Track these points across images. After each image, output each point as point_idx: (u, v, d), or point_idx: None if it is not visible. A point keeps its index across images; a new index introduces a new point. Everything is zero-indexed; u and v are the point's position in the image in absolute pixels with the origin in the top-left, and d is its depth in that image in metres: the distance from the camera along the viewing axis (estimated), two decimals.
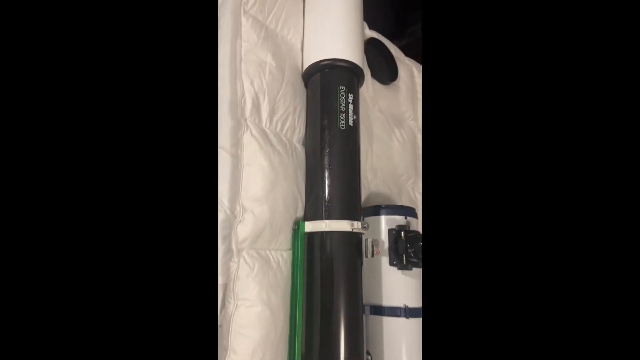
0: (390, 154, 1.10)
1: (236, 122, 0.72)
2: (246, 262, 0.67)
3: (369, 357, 0.80)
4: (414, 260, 0.83)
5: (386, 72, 1.18)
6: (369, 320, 0.83)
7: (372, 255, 0.87)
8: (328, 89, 0.85)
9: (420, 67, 1.37)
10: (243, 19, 0.80)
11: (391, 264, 0.84)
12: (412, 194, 1.16)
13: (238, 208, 0.69)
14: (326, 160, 0.80)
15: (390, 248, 0.85)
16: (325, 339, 0.72)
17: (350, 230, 0.76)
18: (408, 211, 0.91)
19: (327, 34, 0.89)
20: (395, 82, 1.19)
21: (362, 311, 0.80)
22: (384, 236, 0.87)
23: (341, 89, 0.84)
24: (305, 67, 0.90)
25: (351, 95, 0.85)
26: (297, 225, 0.78)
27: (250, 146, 0.72)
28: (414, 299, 0.84)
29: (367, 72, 1.09)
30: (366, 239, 0.86)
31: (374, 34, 1.22)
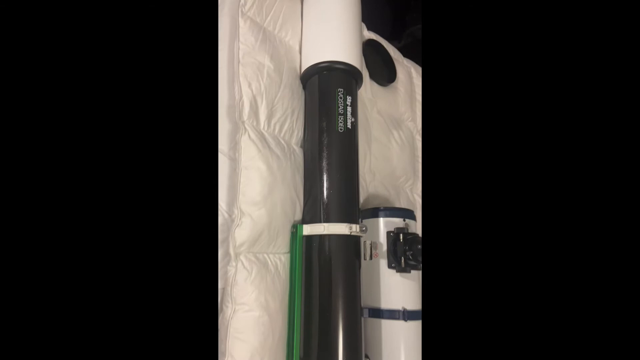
0: (389, 155, 1.09)
1: (234, 125, 0.71)
2: (244, 266, 0.66)
3: None
4: (413, 262, 0.82)
5: (384, 74, 1.17)
6: (368, 323, 0.83)
7: (371, 257, 0.86)
8: (326, 92, 0.84)
9: (418, 68, 1.36)
10: (241, 21, 0.79)
11: (390, 266, 0.83)
12: (411, 195, 1.15)
13: (236, 212, 0.67)
14: (324, 163, 0.79)
15: (388, 251, 0.84)
16: (324, 342, 0.71)
17: (349, 233, 0.75)
18: (406, 213, 0.90)
19: (325, 36, 0.88)
20: (393, 84, 1.18)
21: (361, 314, 0.79)
22: (383, 238, 0.86)
23: (339, 92, 0.83)
24: (303, 69, 0.89)
25: (349, 97, 0.84)
26: (295, 229, 0.77)
27: (248, 149, 0.71)
28: (413, 302, 0.84)
29: (365, 74, 1.08)
30: (364, 242, 0.85)
31: (372, 35, 1.21)
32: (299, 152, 0.84)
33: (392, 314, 0.81)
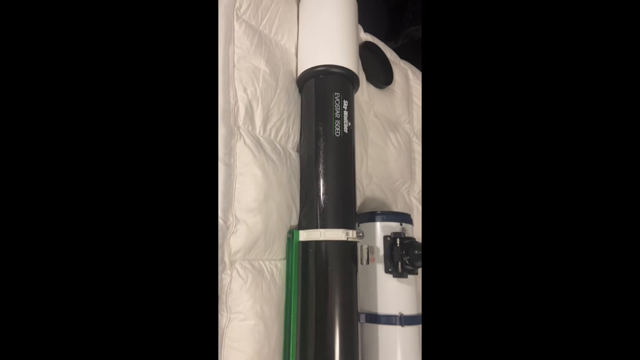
0: (386, 158, 1.08)
1: (229, 130, 0.70)
2: (239, 275, 0.65)
3: None
4: (409, 267, 0.81)
5: (381, 76, 1.15)
6: (364, 328, 0.82)
7: (368, 262, 0.85)
8: (323, 96, 0.82)
9: (415, 70, 1.35)
10: (236, 25, 0.77)
11: (386, 271, 0.82)
12: (408, 198, 1.14)
13: (231, 219, 0.66)
14: (321, 168, 0.78)
15: (385, 255, 0.83)
16: (320, 349, 0.70)
17: (345, 239, 0.74)
18: (403, 217, 0.89)
19: (321, 39, 0.86)
20: (390, 86, 1.17)
21: (357, 319, 0.78)
22: (380, 243, 0.85)
23: (336, 96, 0.81)
24: (299, 72, 0.87)
25: (346, 101, 0.83)
26: (292, 234, 0.75)
27: (244, 155, 0.70)
28: (410, 307, 0.83)
29: (362, 77, 1.06)
30: (361, 246, 0.84)
31: (369, 37, 1.19)
32: (295, 157, 0.83)
33: (389, 319, 0.80)
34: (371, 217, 0.87)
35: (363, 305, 0.82)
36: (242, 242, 0.66)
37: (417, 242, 0.82)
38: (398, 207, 1.08)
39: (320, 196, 0.77)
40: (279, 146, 0.79)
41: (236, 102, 0.72)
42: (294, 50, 0.89)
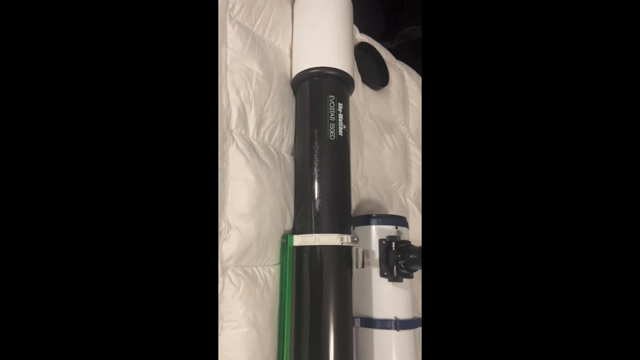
0: (381, 160, 1.07)
1: (221, 134, 0.68)
2: (231, 282, 0.63)
3: None
4: (405, 271, 0.80)
5: (377, 78, 1.14)
6: (359, 332, 0.80)
7: (363, 266, 0.83)
8: (317, 98, 0.80)
9: (411, 70, 1.33)
10: (229, 26, 0.75)
11: (382, 275, 0.81)
12: (403, 199, 1.12)
13: (223, 224, 0.64)
14: (315, 171, 0.76)
15: (380, 259, 0.82)
16: (315, 354, 0.69)
17: (340, 244, 0.73)
18: (399, 220, 0.87)
19: (316, 40, 0.84)
20: (386, 87, 1.15)
21: (352, 324, 0.76)
22: (375, 246, 0.83)
23: (330, 98, 0.80)
24: (294, 74, 0.85)
25: (341, 104, 0.81)
26: (286, 239, 0.74)
27: (236, 160, 0.68)
28: (405, 311, 0.81)
29: (357, 78, 1.05)
30: (357, 249, 0.83)
31: (364, 38, 1.17)
32: (289, 160, 0.81)
33: (384, 324, 0.79)
34: (366, 220, 0.85)
35: (358, 309, 0.81)
36: (234, 249, 0.64)
37: (412, 246, 0.81)
38: (394, 209, 1.06)
39: (314, 200, 0.75)
40: (272, 149, 0.77)
41: (229, 105, 0.70)
42: (288, 52, 0.88)
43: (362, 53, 1.11)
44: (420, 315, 0.86)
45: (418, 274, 0.84)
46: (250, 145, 0.72)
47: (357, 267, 0.83)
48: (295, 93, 0.86)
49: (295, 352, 0.69)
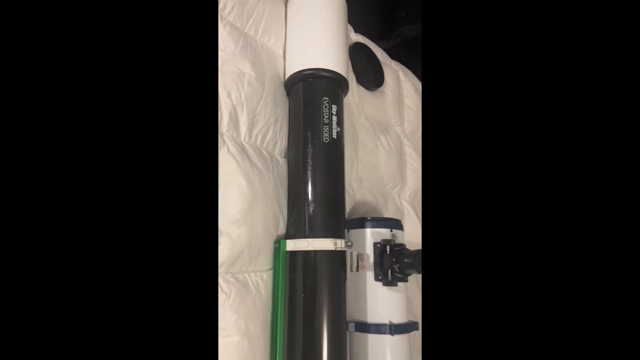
0: (376, 162, 1.04)
1: None
2: (222, 290, 0.61)
3: None
4: (399, 275, 0.78)
5: (372, 78, 1.11)
6: (354, 337, 0.78)
7: (357, 269, 0.82)
8: (311, 100, 0.78)
9: (406, 71, 1.31)
10: (220, 26, 0.73)
11: (376, 279, 0.79)
12: (398, 201, 1.10)
13: None
14: (309, 175, 0.74)
15: (375, 263, 0.80)
16: (308, 359, 0.67)
17: (334, 249, 0.71)
18: (394, 223, 0.85)
19: (310, 41, 0.82)
20: (381, 88, 1.13)
21: (346, 328, 0.75)
22: (369, 250, 0.81)
23: (324, 100, 0.77)
24: (287, 75, 0.83)
25: (335, 106, 0.79)
26: (278, 244, 0.72)
27: (227, 164, 0.65)
28: (400, 315, 0.80)
29: (352, 79, 1.02)
30: (351, 253, 0.81)
31: (359, 38, 1.15)
32: (282, 163, 0.79)
33: (379, 328, 0.77)
34: (361, 223, 0.83)
35: (352, 313, 0.79)
36: (225, 255, 0.62)
37: (407, 250, 0.79)
38: (389, 211, 1.05)
39: (308, 204, 0.73)
40: (265, 152, 0.75)
41: (220, 108, 0.68)
42: (281, 53, 0.85)
43: (357, 53, 1.09)
44: (414, 319, 0.85)
45: (413, 277, 0.82)
46: (242, 149, 0.70)
47: (351, 270, 0.81)
48: (288, 94, 0.84)
49: (288, 358, 0.67)
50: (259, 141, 0.74)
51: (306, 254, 0.70)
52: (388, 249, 0.78)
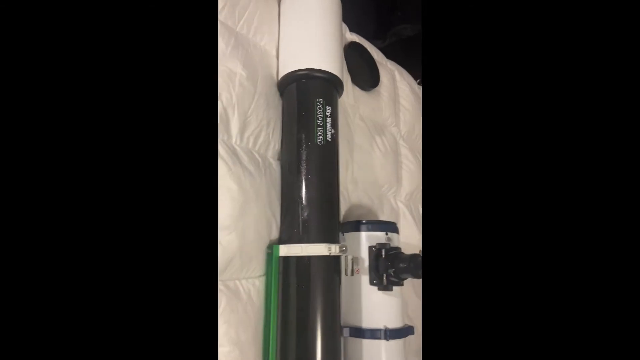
0: (372, 163, 1.02)
1: None
2: None
3: None
4: (395, 279, 0.76)
5: (368, 78, 1.09)
6: (348, 342, 0.76)
7: (352, 273, 0.79)
8: (304, 102, 0.76)
9: (402, 70, 1.29)
10: None
11: (371, 283, 0.77)
12: (394, 202, 1.08)
13: None
14: (302, 178, 0.72)
15: (370, 267, 0.78)
16: None
17: (328, 254, 0.68)
18: (389, 227, 0.83)
19: (303, 41, 0.79)
20: (376, 88, 1.11)
21: (340, 333, 0.73)
22: (365, 253, 0.79)
23: (318, 102, 0.75)
24: (280, 76, 0.80)
25: (329, 108, 0.76)
26: (271, 249, 0.69)
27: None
28: (395, 320, 0.78)
29: (347, 79, 1.00)
30: (346, 256, 0.79)
31: (354, 37, 1.12)
32: (275, 166, 0.76)
33: (374, 334, 0.75)
34: (356, 226, 0.81)
35: (347, 318, 0.77)
36: None
37: (402, 254, 0.77)
38: (384, 213, 1.02)
39: (301, 209, 0.70)
40: (257, 155, 0.72)
41: None
42: (274, 52, 0.82)
43: (352, 53, 1.06)
44: (410, 322, 0.83)
45: (408, 280, 0.80)
46: (233, 152, 0.67)
47: (346, 274, 0.79)
48: (282, 95, 0.81)
49: None
50: (250, 144, 0.72)
51: (299, 259, 0.68)
52: (383, 253, 0.76)
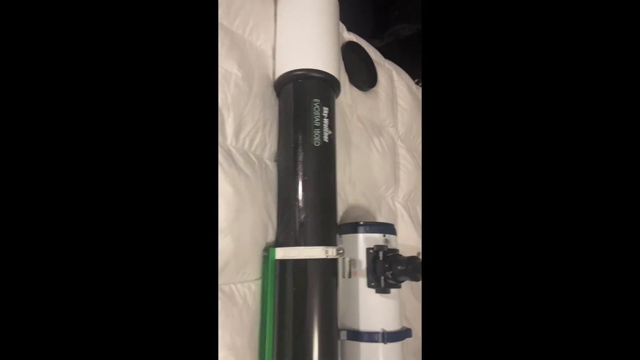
0: (369, 164, 1.01)
1: None
2: None
3: None
4: (392, 282, 0.75)
5: (365, 78, 1.07)
6: (346, 345, 0.75)
7: (350, 276, 0.78)
8: (301, 102, 0.74)
9: (400, 70, 1.27)
10: None
11: (369, 285, 0.76)
12: (392, 203, 1.07)
13: None
14: (299, 180, 0.70)
15: (368, 269, 0.77)
16: None
17: (325, 257, 0.67)
18: (387, 228, 0.82)
19: (300, 41, 0.78)
20: (374, 88, 1.09)
21: (338, 337, 0.72)
22: (362, 255, 0.78)
23: (315, 102, 0.73)
24: (277, 76, 0.78)
25: (326, 108, 0.74)
26: (267, 252, 0.68)
27: None
28: (393, 323, 0.76)
29: (344, 79, 0.98)
30: (343, 259, 0.77)
31: (352, 37, 1.10)
32: (272, 167, 0.75)
33: (372, 337, 0.74)
34: (353, 228, 0.80)
35: (344, 321, 0.76)
36: None
37: (400, 256, 0.75)
38: (382, 214, 1.01)
39: (298, 211, 0.69)
40: (253, 157, 0.71)
41: None
42: (270, 52, 0.81)
43: (349, 53, 1.05)
44: (408, 324, 0.82)
45: (406, 282, 0.79)
46: (228, 154, 0.65)
47: (343, 277, 0.78)
48: (278, 96, 0.79)
49: None
50: (246, 145, 0.70)
51: (296, 262, 0.67)
52: (381, 255, 0.75)
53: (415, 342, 0.90)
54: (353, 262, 0.78)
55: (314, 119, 0.72)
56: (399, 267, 0.72)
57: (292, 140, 0.72)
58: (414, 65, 1.35)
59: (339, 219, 0.83)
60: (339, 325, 0.72)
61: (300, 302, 0.66)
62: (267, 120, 0.74)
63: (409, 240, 1.05)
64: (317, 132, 0.72)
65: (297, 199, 0.69)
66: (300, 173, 0.70)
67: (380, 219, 0.99)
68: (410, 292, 1.02)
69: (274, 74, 0.80)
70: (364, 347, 0.74)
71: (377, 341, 0.73)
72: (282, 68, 0.77)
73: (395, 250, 0.78)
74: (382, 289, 0.74)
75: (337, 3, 0.84)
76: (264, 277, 0.68)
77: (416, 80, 1.37)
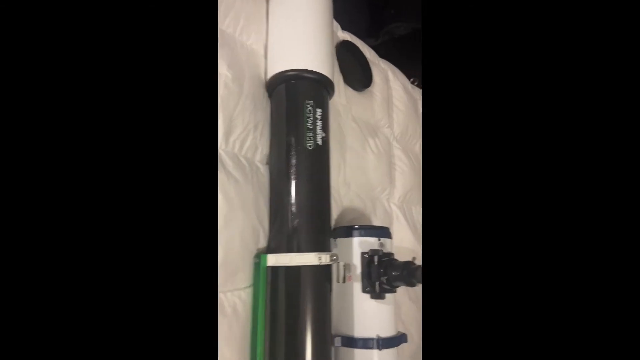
0: (365, 165, 0.98)
1: None
2: None
3: None
4: (387, 287, 0.73)
5: (360, 78, 1.04)
6: (339, 352, 0.73)
7: (344, 281, 0.76)
8: (294, 104, 0.71)
9: (395, 70, 1.25)
10: None
11: (364, 290, 0.74)
12: (387, 205, 1.04)
13: None
14: (292, 184, 0.67)
15: (363, 274, 0.74)
16: None
17: (318, 263, 0.65)
18: (382, 232, 0.79)
19: (293, 40, 0.75)
20: (369, 88, 1.06)
21: (332, 343, 0.69)
22: (357, 259, 0.75)
23: (308, 104, 0.70)
24: (269, 76, 0.75)
25: (320, 110, 0.72)
26: (259, 259, 0.65)
27: None
28: (388, 329, 0.74)
29: (339, 79, 0.96)
30: (338, 263, 0.75)
31: (346, 36, 1.07)
32: (263, 171, 0.72)
33: (366, 343, 0.72)
34: (348, 231, 0.77)
35: (338, 327, 0.74)
36: None
37: (395, 261, 0.73)
38: (377, 216, 0.99)
39: (290, 216, 0.66)
40: (244, 160, 0.68)
41: None
42: (262, 52, 0.77)
43: (344, 52, 1.02)
44: (403, 328, 0.80)
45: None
46: (218, 158, 0.62)
47: (337, 282, 0.75)
48: (270, 97, 0.77)
49: None
50: (236, 148, 0.67)
51: (288, 269, 0.64)
52: (376, 260, 0.73)
53: (410, 346, 0.88)
54: (347, 267, 0.75)
55: (307, 121, 0.69)
56: (394, 273, 0.70)
57: (285, 142, 0.70)
58: (409, 64, 1.32)
59: (333, 222, 0.80)
60: (333, 331, 0.70)
61: (293, 309, 0.64)
62: (259, 122, 0.71)
63: (404, 242, 1.03)
64: (310, 134, 0.69)
65: (289, 204, 0.67)
66: (293, 177, 0.68)
67: (376, 220, 0.97)
68: (406, 295, 1.00)
69: (265, 74, 0.77)
70: (359, 353, 0.72)
71: (372, 347, 0.71)
72: (274, 68, 0.74)
73: (390, 255, 0.75)
74: (377, 294, 0.72)
75: (330, 1, 0.81)
76: (255, 284, 0.65)
77: (412, 80, 1.34)
